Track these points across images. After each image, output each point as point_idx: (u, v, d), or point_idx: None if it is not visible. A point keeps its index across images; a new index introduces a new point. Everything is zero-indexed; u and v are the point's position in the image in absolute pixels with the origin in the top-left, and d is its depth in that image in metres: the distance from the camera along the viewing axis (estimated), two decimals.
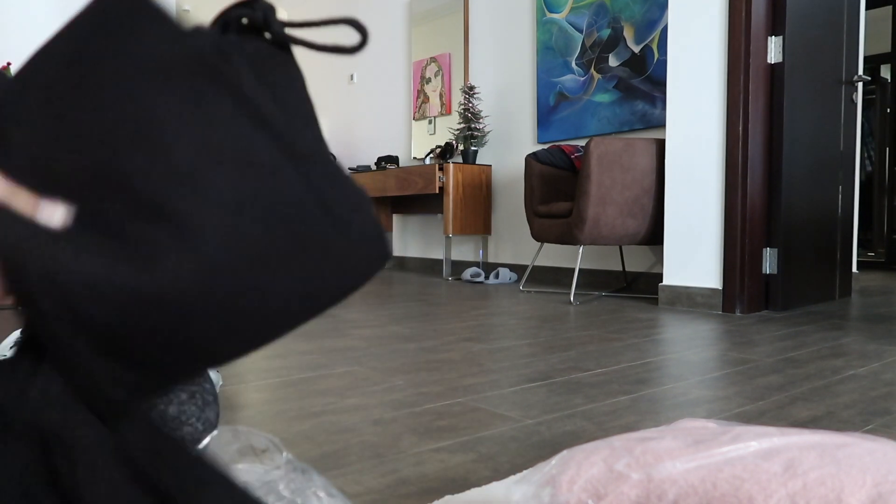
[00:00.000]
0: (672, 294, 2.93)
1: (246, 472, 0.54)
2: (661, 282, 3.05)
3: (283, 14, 0.42)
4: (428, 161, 4.86)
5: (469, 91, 4.42)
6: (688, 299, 2.87)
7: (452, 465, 0.98)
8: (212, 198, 0.33)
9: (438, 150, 4.72)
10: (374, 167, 5.37)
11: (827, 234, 3.10)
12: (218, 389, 1.39)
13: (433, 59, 5.08)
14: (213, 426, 0.63)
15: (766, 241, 2.80)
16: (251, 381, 1.52)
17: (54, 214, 0.33)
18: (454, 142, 4.61)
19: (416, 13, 5.25)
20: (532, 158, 3.52)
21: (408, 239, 5.45)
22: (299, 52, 5.65)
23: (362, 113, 6.01)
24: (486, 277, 4.36)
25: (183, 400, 0.61)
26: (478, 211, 4.45)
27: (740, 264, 2.71)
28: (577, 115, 3.97)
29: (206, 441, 0.57)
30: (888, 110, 6.11)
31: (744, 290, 2.71)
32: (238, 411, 1.28)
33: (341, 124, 6.32)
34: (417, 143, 5.25)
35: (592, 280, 3.92)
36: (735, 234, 2.72)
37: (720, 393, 1.43)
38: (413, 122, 5.29)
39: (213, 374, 1.34)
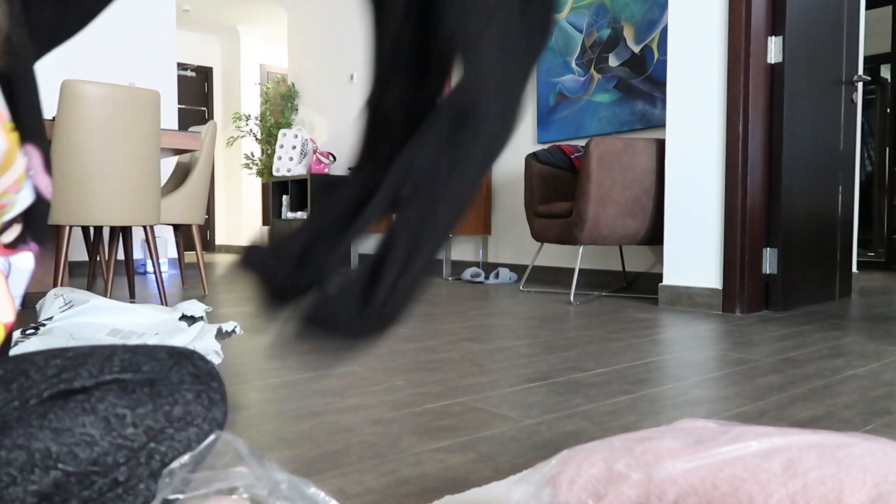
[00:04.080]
0: (672, 294, 2.93)
1: (246, 476, 0.54)
2: (661, 282, 3.05)
3: None
4: None
5: None
6: (688, 299, 2.87)
7: (452, 465, 0.98)
8: None
9: None
10: None
11: (827, 234, 3.10)
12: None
13: None
14: (220, 426, 0.63)
15: (766, 241, 2.80)
16: (251, 381, 1.52)
17: None
18: None
19: None
20: (532, 158, 3.52)
21: None
22: (300, 50, 5.68)
23: None
24: (486, 277, 4.36)
25: (188, 400, 0.60)
26: (478, 211, 4.45)
27: (740, 264, 2.71)
28: (577, 115, 3.97)
29: (206, 443, 0.56)
30: (888, 110, 6.11)
31: (744, 290, 2.71)
32: (238, 411, 1.28)
33: (341, 124, 6.32)
34: None
35: (592, 280, 3.92)
36: (735, 234, 2.72)
37: (720, 393, 1.43)
38: None
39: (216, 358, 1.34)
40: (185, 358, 0.64)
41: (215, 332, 1.54)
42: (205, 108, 8.78)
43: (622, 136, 3.74)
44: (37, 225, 0.61)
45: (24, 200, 0.59)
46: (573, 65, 3.98)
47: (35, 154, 0.61)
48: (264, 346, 1.94)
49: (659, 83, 3.51)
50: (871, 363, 1.72)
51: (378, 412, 1.26)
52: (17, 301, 0.60)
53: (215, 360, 1.40)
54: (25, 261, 0.61)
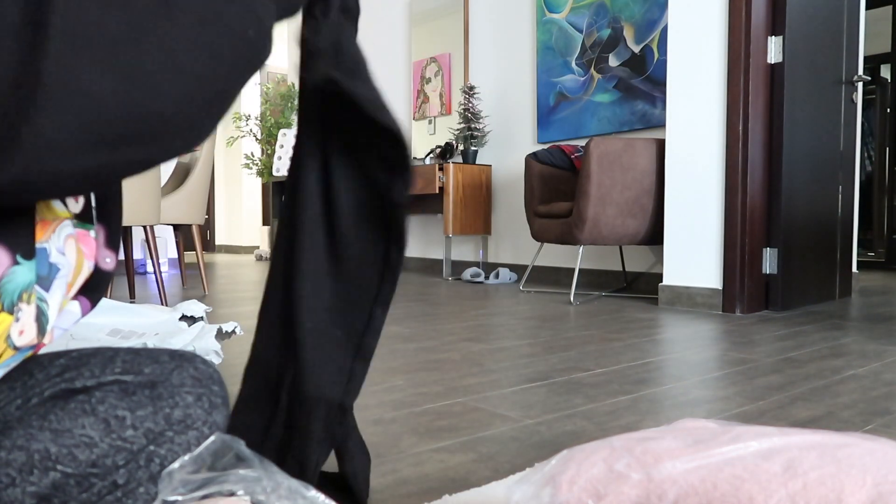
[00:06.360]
0: (672, 294, 2.93)
1: (246, 477, 0.54)
2: (661, 282, 3.05)
3: None
4: (428, 161, 4.86)
5: (469, 91, 4.42)
6: (688, 299, 2.87)
7: (452, 465, 0.98)
8: None
9: (438, 150, 4.72)
10: None
11: (827, 234, 3.10)
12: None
13: (433, 59, 5.08)
14: (221, 430, 0.63)
15: (766, 241, 2.80)
16: None
17: None
18: (454, 142, 4.61)
19: (416, 13, 5.25)
20: (532, 158, 3.52)
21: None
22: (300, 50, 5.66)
23: None
24: (486, 277, 4.36)
25: (189, 403, 0.60)
26: (478, 211, 4.45)
27: (740, 264, 2.71)
28: (577, 115, 3.97)
29: (205, 444, 0.56)
30: (888, 110, 6.11)
31: (744, 290, 2.71)
32: None
33: None
34: (417, 143, 5.25)
35: (592, 280, 3.92)
36: (735, 234, 2.72)
37: (720, 393, 1.43)
38: (413, 122, 5.29)
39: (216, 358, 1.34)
40: (186, 361, 0.64)
41: (215, 333, 1.54)
42: None
43: (622, 136, 3.74)
44: (94, 290, 0.65)
45: (81, 276, 0.62)
46: (573, 65, 3.98)
47: (101, 231, 0.64)
48: None
49: (659, 83, 3.51)
50: (871, 363, 1.72)
51: (378, 412, 1.26)
52: (59, 332, 0.62)
53: (215, 360, 1.40)
54: (74, 306, 0.64)
